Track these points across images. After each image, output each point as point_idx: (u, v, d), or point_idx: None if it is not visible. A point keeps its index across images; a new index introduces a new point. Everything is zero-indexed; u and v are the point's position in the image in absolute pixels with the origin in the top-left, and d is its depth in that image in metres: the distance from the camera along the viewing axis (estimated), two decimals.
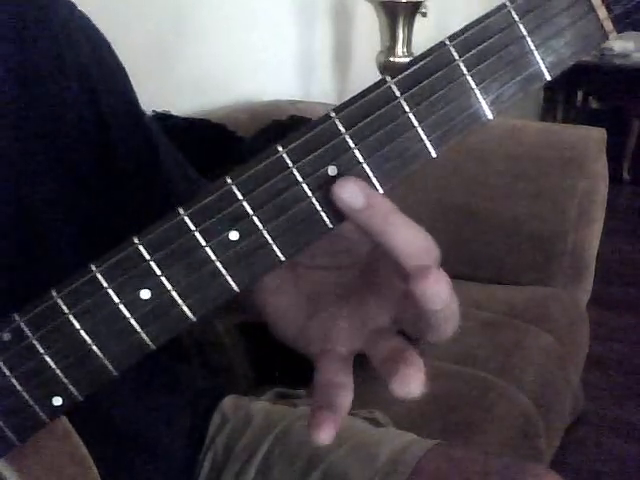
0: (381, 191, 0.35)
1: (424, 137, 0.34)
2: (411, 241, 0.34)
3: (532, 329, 1.32)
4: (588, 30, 0.34)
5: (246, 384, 1.05)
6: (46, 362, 0.35)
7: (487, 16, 0.34)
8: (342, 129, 0.34)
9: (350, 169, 0.34)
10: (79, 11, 0.55)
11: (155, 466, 0.61)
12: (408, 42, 2.01)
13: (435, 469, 0.63)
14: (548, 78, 0.35)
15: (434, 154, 0.35)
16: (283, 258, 0.35)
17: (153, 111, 1.38)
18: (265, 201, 0.34)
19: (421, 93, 0.34)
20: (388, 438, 0.67)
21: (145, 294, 0.34)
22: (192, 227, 0.34)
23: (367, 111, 0.34)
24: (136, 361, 0.35)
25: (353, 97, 0.34)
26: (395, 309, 0.38)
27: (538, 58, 0.34)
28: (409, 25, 1.99)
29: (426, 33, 1.95)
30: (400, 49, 2.01)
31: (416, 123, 0.34)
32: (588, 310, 1.54)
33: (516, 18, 0.34)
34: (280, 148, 0.34)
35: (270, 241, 0.34)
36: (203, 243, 0.34)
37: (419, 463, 0.63)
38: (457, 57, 0.34)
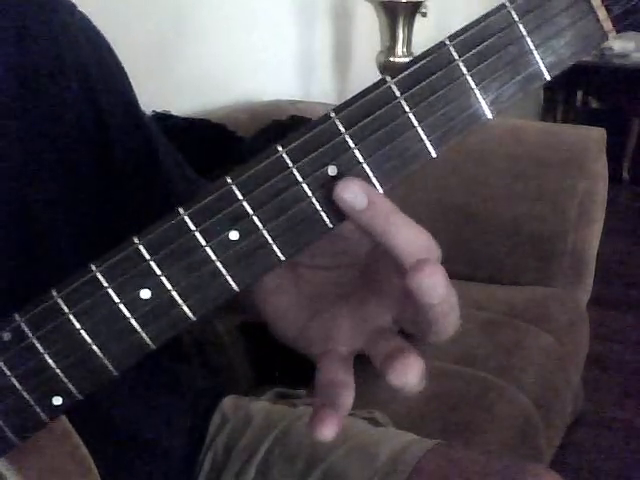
0: (381, 191, 0.35)
1: (424, 137, 0.34)
2: (412, 240, 0.34)
3: (532, 329, 1.32)
4: (588, 30, 0.35)
5: (246, 384, 1.05)
6: (46, 362, 0.35)
7: (487, 16, 0.34)
8: (342, 129, 0.34)
9: (350, 169, 0.34)
10: (79, 11, 0.55)
11: (155, 466, 0.61)
12: (408, 42, 2.01)
13: (435, 469, 0.63)
14: (548, 78, 0.35)
15: (434, 154, 0.35)
16: (283, 258, 0.35)
17: (153, 111, 1.39)
18: (265, 201, 0.34)
19: (421, 93, 0.34)
20: (388, 438, 0.67)
21: (145, 294, 0.34)
22: (192, 227, 0.34)
23: (367, 111, 0.34)
24: (136, 361, 0.36)
25: (353, 97, 0.34)
26: (395, 308, 0.38)
27: (538, 58, 0.34)
28: (409, 25, 1.99)
29: (426, 33, 1.95)
30: (400, 49, 2.01)
31: (416, 123, 0.34)
32: (588, 310, 1.54)
33: (516, 18, 0.34)
34: (280, 148, 0.34)
35: (270, 241, 0.34)
36: (203, 243, 0.34)
37: (419, 463, 0.63)
38: (457, 57, 0.34)
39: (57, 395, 0.35)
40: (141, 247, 0.34)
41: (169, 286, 0.34)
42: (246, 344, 1.08)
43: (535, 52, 0.34)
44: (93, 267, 0.34)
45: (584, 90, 3.58)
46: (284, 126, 1.50)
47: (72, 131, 0.52)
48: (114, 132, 0.54)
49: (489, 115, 0.35)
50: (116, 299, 0.34)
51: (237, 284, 0.35)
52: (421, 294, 0.33)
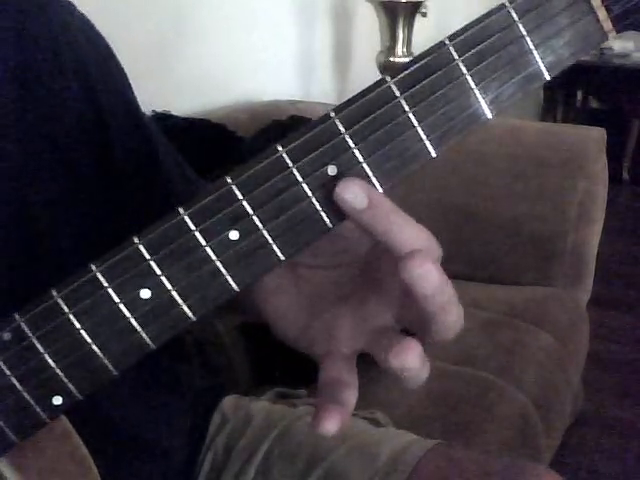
0: (381, 191, 0.35)
1: (424, 137, 0.34)
2: (413, 239, 0.34)
3: (532, 329, 1.32)
4: (587, 30, 0.35)
5: (246, 384, 1.05)
6: (46, 361, 0.35)
7: (487, 16, 0.34)
8: (342, 129, 0.34)
9: (350, 169, 0.34)
10: (79, 12, 0.55)
11: (155, 466, 0.61)
12: (408, 42, 2.01)
13: (435, 469, 0.63)
14: (547, 78, 0.35)
15: (434, 154, 0.35)
16: (283, 258, 0.35)
17: (153, 111, 1.39)
18: (265, 201, 0.34)
19: (421, 93, 0.34)
20: (388, 438, 0.67)
21: (145, 294, 0.34)
22: (192, 227, 0.34)
23: (367, 111, 0.34)
24: (136, 361, 0.36)
25: (353, 97, 0.34)
26: (396, 307, 0.38)
27: (537, 58, 0.34)
28: (409, 25, 1.99)
29: (426, 33, 1.95)
30: (400, 49, 2.01)
31: (416, 123, 0.34)
32: (588, 310, 1.54)
33: (515, 18, 0.34)
34: (280, 148, 0.34)
35: (270, 241, 0.34)
36: (203, 243, 0.34)
37: (419, 463, 0.63)
38: (457, 57, 0.34)
39: (57, 395, 0.35)
40: (141, 247, 0.34)
41: (169, 286, 0.34)
42: (246, 344, 1.08)
43: (535, 52, 0.34)
44: (93, 267, 0.34)
45: (584, 90, 3.58)
46: (284, 126, 1.50)
47: (72, 131, 0.52)
48: (114, 132, 0.54)
49: (489, 115, 0.35)
50: (116, 299, 0.34)
51: (237, 284, 0.35)
52: (413, 283, 0.33)
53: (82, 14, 0.55)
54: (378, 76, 0.37)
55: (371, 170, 0.34)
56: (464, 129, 0.35)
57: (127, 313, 0.34)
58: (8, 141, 0.49)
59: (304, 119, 1.52)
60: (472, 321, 1.29)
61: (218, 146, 1.40)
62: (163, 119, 1.39)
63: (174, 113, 1.45)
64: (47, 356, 0.35)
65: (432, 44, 0.34)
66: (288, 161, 0.34)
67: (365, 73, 2.12)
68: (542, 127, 1.76)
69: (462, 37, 0.34)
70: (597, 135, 1.51)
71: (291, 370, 0.91)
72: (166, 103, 1.43)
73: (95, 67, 0.54)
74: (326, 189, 0.34)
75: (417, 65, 0.34)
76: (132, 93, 0.58)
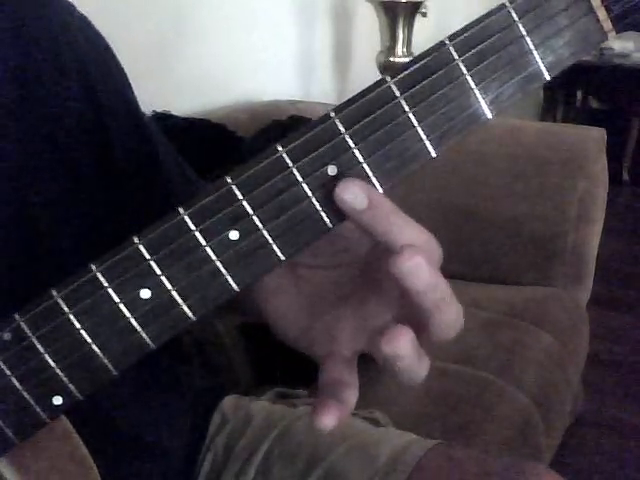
0: (381, 191, 0.35)
1: (424, 137, 0.34)
2: (414, 240, 0.34)
3: (532, 329, 1.32)
4: (587, 30, 0.35)
5: (246, 384, 1.05)
6: (46, 361, 0.35)
7: (487, 16, 0.34)
8: (342, 129, 0.34)
9: (350, 169, 0.34)
10: (78, 12, 0.55)
11: (155, 466, 0.61)
12: (408, 42, 2.01)
13: (435, 469, 0.63)
14: (547, 78, 0.35)
15: (434, 154, 0.35)
16: (283, 258, 0.35)
17: (153, 111, 1.39)
18: (265, 201, 0.34)
19: (421, 93, 0.34)
20: (388, 438, 0.67)
21: (145, 294, 0.34)
22: (192, 227, 0.34)
23: (367, 111, 0.34)
24: (136, 360, 0.36)
25: (353, 97, 0.34)
26: (396, 307, 0.38)
27: (537, 58, 0.34)
28: (409, 25, 1.99)
29: (426, 33, 1.95)
30: (400, 49, 2.01)
31: (416, 123, 0.34)
32: (588, 310, 1.54)
33: (515, 18, 0.34)
34: (280, 148, 0.34)
35: (270, 241, 0.34)
36: (203, 243, 0.34)
37: (419, 463, 0.63)
38: (457, 57, 0.34)
39: (57, 395, 0.35)
40: (141, 247, 0.34)
41: (169, 286, 0.34)
42: (246, 344, 1.08)
43: (535, 52, 0.34)
44: (93, 267, 0.34)
45: (584, 90, 3.58)
46: (284, 126, 1.50)
47: (72, 131, 0.52)
48: (114, 132, 0.54)
49: (489, 115, 0.35)
50: (116, 299, 0.34)
51: (237, 284, 0.35)
52: (403, 278, 0.33)
53: (82, 14, 0.55)
54: (378, 76, 0.37)
55: (371, 170, 0.34)
56: (464, 129, 0.35)
57: (127, 313, 0.34)
58: (8, 141, 0.49)
59: (304, 119, 1.52)
60: (472, 321, 1.29)
61: (218, 146, 1.40)
62: (163, 119, 1.39)
63: (174, 113, 1.45)
64: (47, 356, 0.35)
65: (432, 44, 0.34)
66: (288, 161, 0.34)
67: (365, 73, 2.12)
68: (542, 127, 1.75)
69: (462, 37, 0.34)
70: (597, 135, 1.51)
71: (291, 370, 0.91)
72: (166, 103, 1.43)
73: (95, 67, 0.54)
74: (326, 189, 0.34)
75: (417, 65, 0.34)
76: (132, 93, 0.58)
